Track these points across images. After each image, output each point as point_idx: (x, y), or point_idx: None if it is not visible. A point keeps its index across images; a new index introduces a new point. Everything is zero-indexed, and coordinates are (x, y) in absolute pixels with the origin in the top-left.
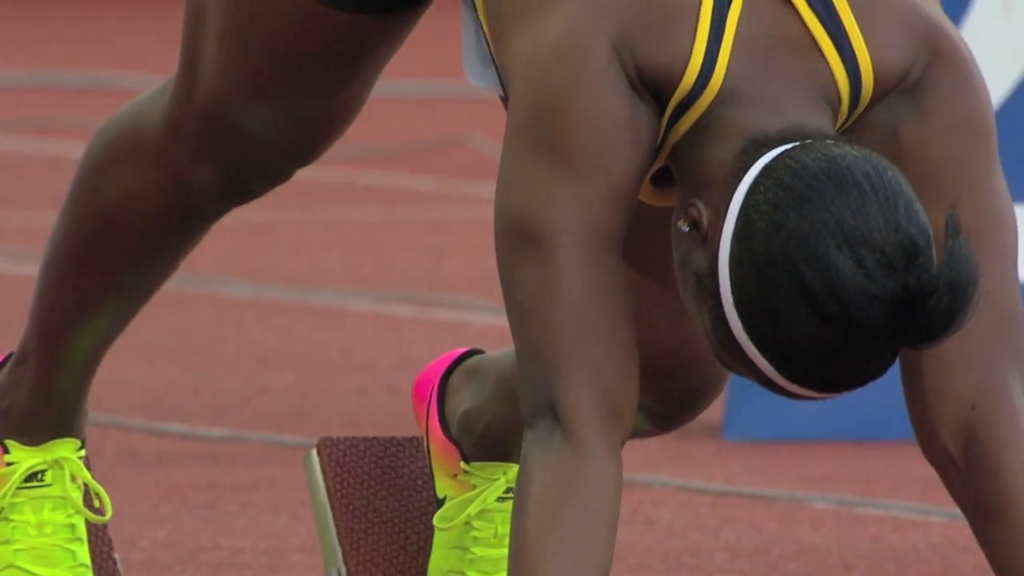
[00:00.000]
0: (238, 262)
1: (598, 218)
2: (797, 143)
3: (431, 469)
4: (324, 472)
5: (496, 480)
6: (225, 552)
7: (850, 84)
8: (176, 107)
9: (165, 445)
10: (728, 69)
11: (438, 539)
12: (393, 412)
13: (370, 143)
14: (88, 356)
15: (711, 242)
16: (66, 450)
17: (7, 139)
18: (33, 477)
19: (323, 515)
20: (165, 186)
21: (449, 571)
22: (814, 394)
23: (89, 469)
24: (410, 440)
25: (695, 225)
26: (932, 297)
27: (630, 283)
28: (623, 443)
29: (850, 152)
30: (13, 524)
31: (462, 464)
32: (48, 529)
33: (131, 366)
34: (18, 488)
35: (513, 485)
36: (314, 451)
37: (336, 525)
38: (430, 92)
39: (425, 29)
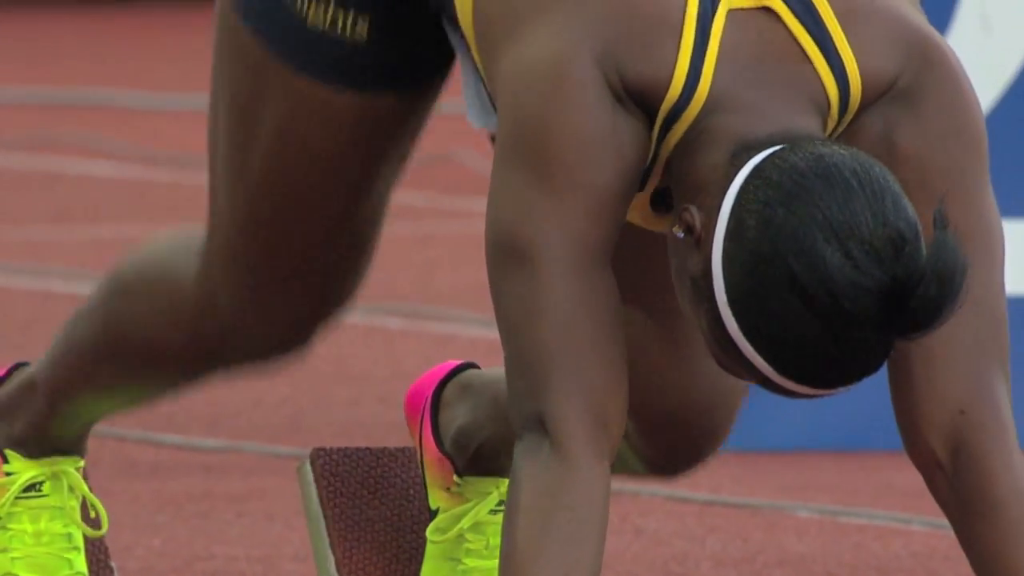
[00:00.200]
0: None
1: (582, 232)
2: (786, 145)
3: (424, 481)
4: (317, 482)
5: (489, 494)
6: (219, 560)
7: (839, 89)
8: (206, 264)
9: (161, 455)
10: (714, 78)
11: (430, 550)
12: (385, 423)
13: None
14: (96, 418)
15: (704, 244)
16: (65, 464)
17: (6, 155)
18: (31, 487)
19: (316, 524)
20: (203, 335)
21: None
22: (811, 391)
23: (87, 481)
24: (401, 450)
25: (689, 229)
26: (920, 286)
27: (633, 322)
28: (613, 452)
29: (837, 151)
30: (11, 533)
31: (455, 478)
32: (45, 539)
33: None
34: (16, 498)
35: (505, 498)
36: (307, 461)
37: (329, 534)
38: None
39: None
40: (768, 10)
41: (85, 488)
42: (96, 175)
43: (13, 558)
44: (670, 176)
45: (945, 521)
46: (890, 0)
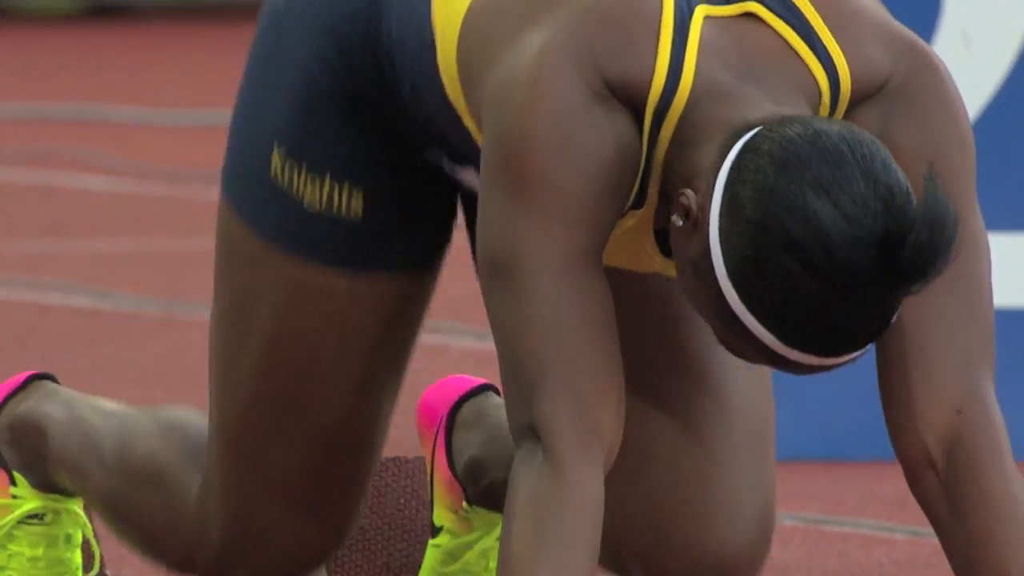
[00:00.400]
0: None
1: (564, 239)
2: (776, 121)
3: (431, 495)
4: None
5: (496, 526)
6: None
7: (828, 80)
8: (204, 485)
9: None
10: (697, 69)
11: (430, 555)
12: None
13: None
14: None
15: (701, 224)
16: (70, 504)
17: (3, 169)
18: (34, 516)
19: None
20: (197, 554)
21: None
22: (818, 360)
23: (92, 522)
24: (393, 460)
25: (686, 213)
26: (912, 233)
27: (648, 417)
28: (609, 456)
29: (827, 121)
30: (9, 552)
31: (465, 504)
32: (42, 564)
33: (122, 389)
34: (19, 522)
35: None
36: None
37: None
38: None
39: None
40: (747, 15)
41: (89, 529)
42: (92, 189)
43: (9, 574)
44: (669, 179)
45: (927, 529)
46: (875, 7)
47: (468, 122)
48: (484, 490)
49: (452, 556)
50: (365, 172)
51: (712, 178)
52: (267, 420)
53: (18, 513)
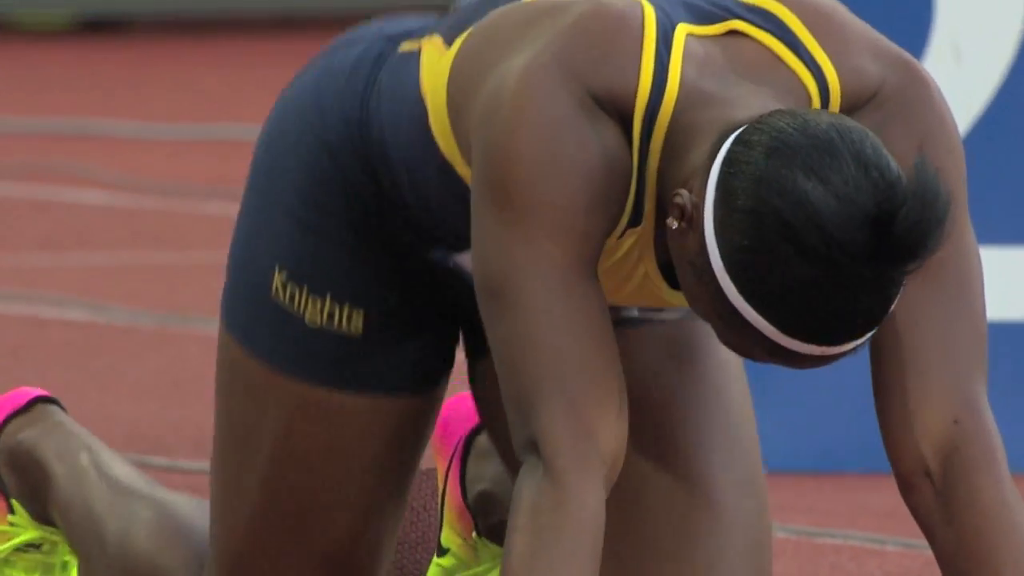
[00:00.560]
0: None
1: (554, 254)
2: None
3: (440, 517)
4: None
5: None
6: None
7: (817, 85)
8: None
9: (148, 477)
10: (683, 76)
11: (433, 573)
12: None
13: None
14: None
15: (697, 221)
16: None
17: None
18: (31, 544)
19: None
20: None
21: None
22: (818, 350)
23: None
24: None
25: (682, 214)
26: (903, 208)
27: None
28: (611, 468)
29: (817, 112)
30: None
31: (474, 535)
32: None
33: (117, 402)
34: (15, 549)
35: None
36: None
37: None
38: None
39: None
40: (732, 32)
41: None
42: (87, 203)
43: None
44: (664, 195)
45: (919, 541)
46: (862, 24)
47: (463, 171)
48: (494, 526)
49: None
50: (366, 293)
51: (705, 175)
52: (270, 541)
53: (16, 542)
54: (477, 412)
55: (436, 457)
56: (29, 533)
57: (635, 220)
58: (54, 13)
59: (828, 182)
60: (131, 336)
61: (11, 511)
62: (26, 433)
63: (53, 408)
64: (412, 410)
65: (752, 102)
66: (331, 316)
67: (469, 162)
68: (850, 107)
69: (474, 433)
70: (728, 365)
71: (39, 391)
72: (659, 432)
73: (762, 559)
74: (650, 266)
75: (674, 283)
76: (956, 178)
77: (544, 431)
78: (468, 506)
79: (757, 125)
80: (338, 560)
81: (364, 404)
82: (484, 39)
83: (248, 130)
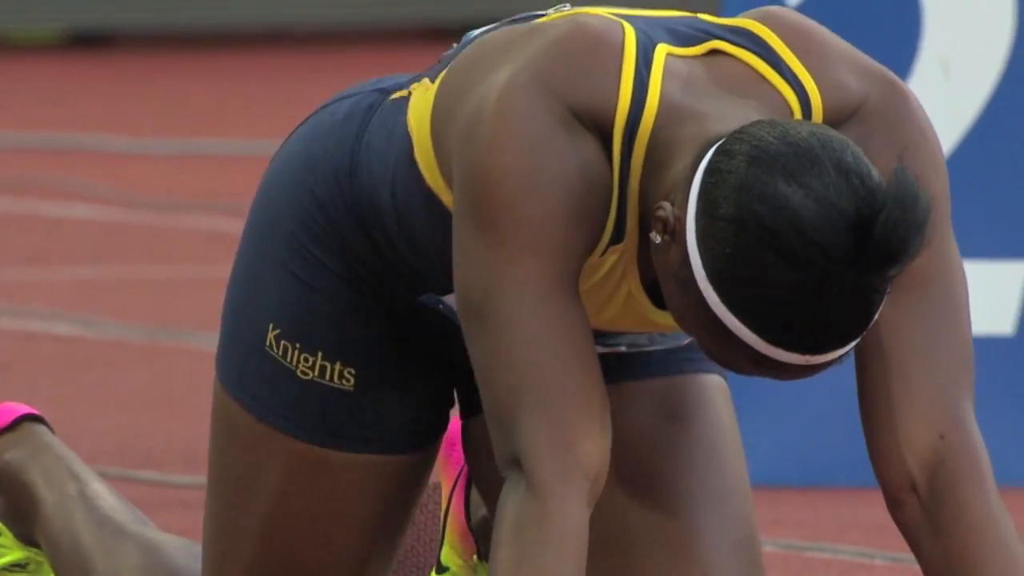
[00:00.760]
0: (210, 315)
1: (534, 270)
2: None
3: (442, 534)
4: None
5: None
6: None
7: (800, 103)
8: None
9: (139, 492)
10: (663, 91)
11: None
12: None
13: None
14: None
15: (679, 233)
16: None
17: None
18: (17, 564)
19: None
20: None
21: None
22: (802, 359)
23: None
24: None
25: (664, 226)
26: (883, 212)
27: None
28: (594, 483)
29: (798, 122)
30: None
31: (475, 558)
32: None
33: (107, 415)
34: (2, 569)
35: None
36: None
37: None
38: None
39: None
40: (712, 52)
41: None
42: (75, 217)
43: None
44: (647, 211)
45: (908, 556)
46: (842, 42)
47: (447, 198)
48: None
49: None
50: (358, 348)
51: (687, 187)
52: None
53: (1, 562)
54: (468, 470)
55: (441, 474)
56: (15, 554)
57: (617, 237)
58: (44, 28)
59: (809, 188)
60: (121, 350)
61: None
62: (12, 454)
63: (40, 428)
64: (406, 468)
65: (733, 116)
66: (323, 371)
67: (451, 185)
68: (832, 123)
69: None
70: (720, 420)
71: (26, 408)
72: (650, 492)
73: None
74: (633, 284)
75: (658, 302)
76: (939, 192)
77: (526, 446)
78: (471, 530)
79: (738, 135)
80: None
81: (358, 462)
82: (465, 65)
83: (238, 145)
